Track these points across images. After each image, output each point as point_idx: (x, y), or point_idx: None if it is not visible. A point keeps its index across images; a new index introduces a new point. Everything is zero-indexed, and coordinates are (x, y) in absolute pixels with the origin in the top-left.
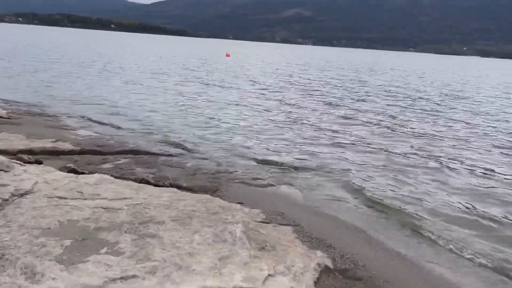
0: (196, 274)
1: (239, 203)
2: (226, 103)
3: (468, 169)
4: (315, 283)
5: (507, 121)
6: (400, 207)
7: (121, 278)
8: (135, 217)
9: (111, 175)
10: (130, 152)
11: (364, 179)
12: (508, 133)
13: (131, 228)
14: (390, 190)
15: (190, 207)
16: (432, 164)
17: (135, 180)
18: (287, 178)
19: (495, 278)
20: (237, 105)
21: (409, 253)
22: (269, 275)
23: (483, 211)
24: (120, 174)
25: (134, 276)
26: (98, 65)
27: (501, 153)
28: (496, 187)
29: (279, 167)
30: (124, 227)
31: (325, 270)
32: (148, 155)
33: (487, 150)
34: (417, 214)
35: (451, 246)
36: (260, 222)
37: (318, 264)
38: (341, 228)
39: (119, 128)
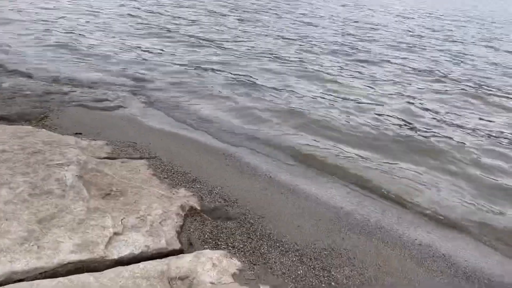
0: None
1: (76, 133)
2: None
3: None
4: (178, 233)
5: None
6: (257, 129)
7: None
8: None
9: None
10: None
11: (225, 100)
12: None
13: None
14: (244, 113)
15: None
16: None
17: None
18: (140, 98)
19: (361, 193)
20: (69, 12)
21: (282, 178)
22: (116, 233)
23: (337, 146)
24: None
25: None
26: None
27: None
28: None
29: (129, 85)
30: None
31: (190, 213)
32: None
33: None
34: (277, 137)
35: (317, 167)
36: (105, 158)
37: (181, 207)
38: (207, 155)
39: None
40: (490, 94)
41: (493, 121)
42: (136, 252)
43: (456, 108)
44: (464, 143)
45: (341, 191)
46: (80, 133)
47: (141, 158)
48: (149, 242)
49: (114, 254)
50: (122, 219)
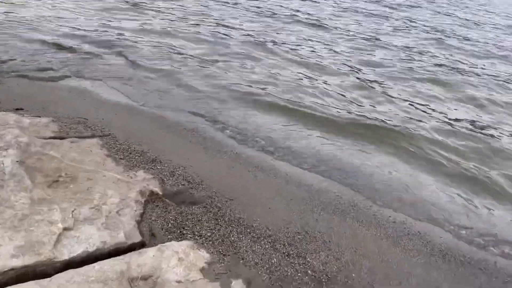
0: None
1: (16, 109)
2: None
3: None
4: (139, 223)
5: None
6: (218, 107)
7: None
8: None
9: None
10: None
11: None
12: None
13: None
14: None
15: None
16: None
17: None
18: (90, 67)
19: (328, 170)
20: None
21: (249, 154)
22: (66, 229)
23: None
24: None
25: None
26: None
27: None
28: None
29: (77, 52)
30: None
31: (151, 199)
32: None
33: None
34: (237, 113)
35: (282, 145)
36: (51, 138)
37: (141, 192)
38: (167, 130)
39: None
40: (442, 65)
41: (446, 97)
42: (91, 249)
43: (407, 82)
44: (420, 120)
45: (310, 168)
46: (22, 109)
47: (93, 136)
48: (105, 236)
49: (65, 255)
50: (73, 211)
